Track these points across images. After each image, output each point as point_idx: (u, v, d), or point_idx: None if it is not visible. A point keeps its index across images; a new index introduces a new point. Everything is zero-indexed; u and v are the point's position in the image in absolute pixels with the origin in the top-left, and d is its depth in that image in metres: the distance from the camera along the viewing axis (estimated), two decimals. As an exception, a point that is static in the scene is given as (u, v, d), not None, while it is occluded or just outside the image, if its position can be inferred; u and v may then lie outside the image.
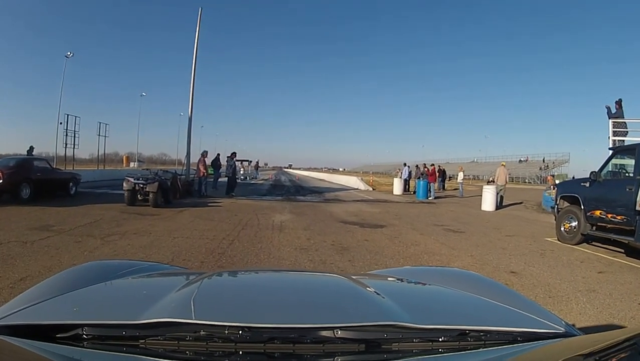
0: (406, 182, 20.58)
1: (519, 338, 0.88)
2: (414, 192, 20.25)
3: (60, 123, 26.34)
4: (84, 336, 0.80)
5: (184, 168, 15.44)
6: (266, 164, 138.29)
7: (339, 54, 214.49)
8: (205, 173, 14.16)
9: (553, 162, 58.95)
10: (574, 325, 1.04)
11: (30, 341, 0.76)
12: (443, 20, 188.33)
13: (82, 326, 0.80)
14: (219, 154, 19.02)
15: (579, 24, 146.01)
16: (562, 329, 0.93)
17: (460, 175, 20.36)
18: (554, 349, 0.84)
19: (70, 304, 0.98)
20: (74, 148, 26.89)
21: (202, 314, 0.84)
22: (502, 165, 15.70)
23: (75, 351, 0.76)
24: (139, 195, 10.55)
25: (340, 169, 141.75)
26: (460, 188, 19.79)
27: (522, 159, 67.69)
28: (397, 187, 19.87)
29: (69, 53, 31.34)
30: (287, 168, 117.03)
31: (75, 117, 26.33)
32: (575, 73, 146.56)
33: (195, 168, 14.45)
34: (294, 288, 1.27)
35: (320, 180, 39.88)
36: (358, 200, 15.71)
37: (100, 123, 31.34)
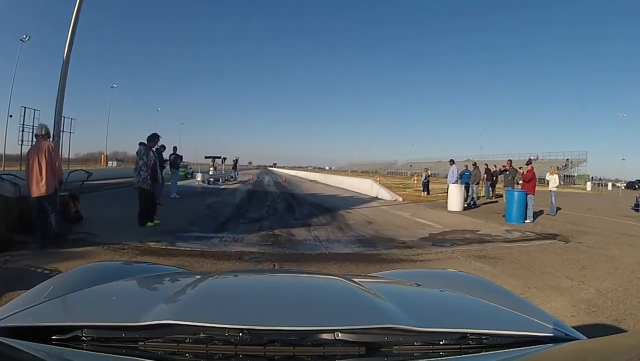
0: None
1: (521, 342, 0.84)
2: (469, 204, 13.34)
3: (11, 116, 25.00)
4: (83, 338, 0.79)
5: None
6: (250, 163, 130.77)
7: (323, 50, 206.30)
8: (56, 187, 5.64)
9: (571, 162, 52.75)
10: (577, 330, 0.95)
11: (30, 343, 0.75)
12: (432, 12, 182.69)
13: (81, 328, 0.80)
14: (162, 146, 11.18)
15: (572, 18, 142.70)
16: (566, 333, 0.90)
17: (554, 180, 12.88)
18: (557, 353, 0.82)
19: (70, 306, 0.97)
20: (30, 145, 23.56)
21: (202, 316, 0.81)
22: None
23: (74, 353, 0.75)
24: None
25: (327, 168, 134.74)
26: (553, 201, 12.31)
27: (532, 158, 61.15)
28: (456, 198, 12.25)
29: (24, 36, 29.09)
30: (272, 167, 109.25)
31: (34, 110, 24.87)
32: (573, 70, 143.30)
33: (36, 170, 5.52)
34: (295, 290, 1.22)
35: (313, 181, 31.63)
36: (435, 241, 7.58)
37: (64, 117, 27.76)
